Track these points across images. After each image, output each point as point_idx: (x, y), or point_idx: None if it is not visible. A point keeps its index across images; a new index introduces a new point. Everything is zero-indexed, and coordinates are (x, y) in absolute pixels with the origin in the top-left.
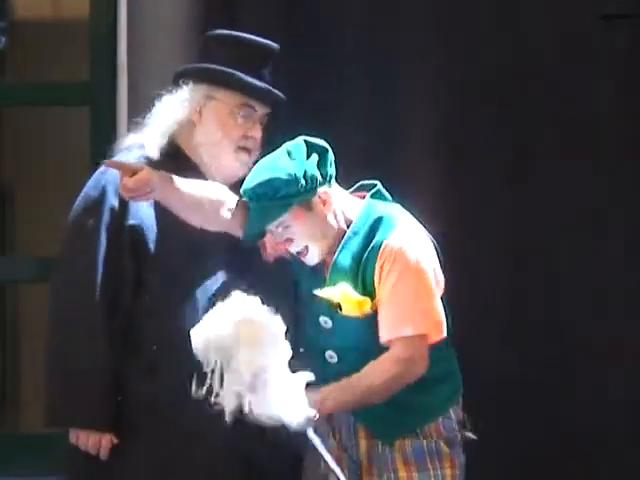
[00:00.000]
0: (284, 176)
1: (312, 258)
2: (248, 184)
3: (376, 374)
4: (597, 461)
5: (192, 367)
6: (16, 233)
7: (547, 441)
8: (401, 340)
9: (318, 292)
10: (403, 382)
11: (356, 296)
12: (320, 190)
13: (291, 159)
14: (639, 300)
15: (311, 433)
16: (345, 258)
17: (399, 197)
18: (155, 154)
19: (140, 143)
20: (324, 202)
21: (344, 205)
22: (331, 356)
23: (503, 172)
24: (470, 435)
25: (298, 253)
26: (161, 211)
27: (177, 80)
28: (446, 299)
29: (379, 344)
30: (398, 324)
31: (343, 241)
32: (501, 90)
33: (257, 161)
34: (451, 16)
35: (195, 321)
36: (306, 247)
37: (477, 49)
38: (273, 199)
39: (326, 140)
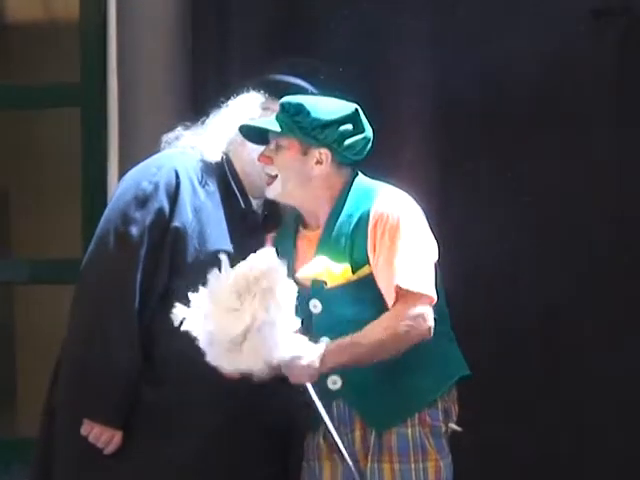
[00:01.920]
0: (318, 114)
1: (274, 189)
2: (294, 99)
3: (381, 328)
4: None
5: (203, 382)
6: (10, 235)
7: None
8: (405, 297)
9: (300, 273)
10: (408, 339)
11: (337, 266)
12: (323, 149)
13: (337, 109)
14: None
15: (310, 387)
16: (332, 230)
17: None
18: (214, 160)
19: (193, 145)
20: (318, 160)
21: (335, 185)
22: (334, 382)
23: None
24: (454, 427)
25: (268, 176)
26: (200, 219)
27: (241, 88)
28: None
29: (374, 318)
30: (400, 281)
31: (329, 215)
32: (489, 90)
33: None
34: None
35: None
36: (276, 175)
37: (464, 55)
38: (292, 116)
39: None
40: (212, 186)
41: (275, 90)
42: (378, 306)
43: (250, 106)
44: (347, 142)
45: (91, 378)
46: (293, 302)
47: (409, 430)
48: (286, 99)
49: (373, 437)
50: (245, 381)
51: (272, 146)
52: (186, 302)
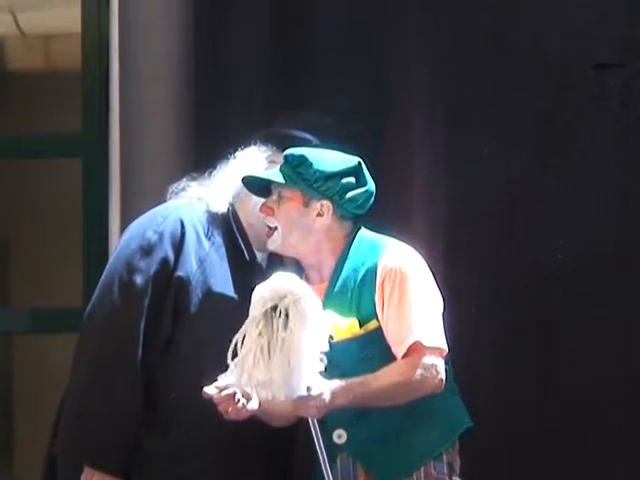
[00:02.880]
0: (321, 166)
1: (274, 241)
2: (297, 150)
3: (392, 374)
4: None
5: (205, 429)
6: (10, 286)
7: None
8: (418, 350)
9: None
10: (420, 389)
11: (343, 320)
12: (324, 202)
13: (340, 162)
14: None
15: (314, 421)
16: (338, 284)
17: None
18: (220, 211)
19: (200, 196)
20: (320, 212)
21: (337, 238)
22: (339, 436)
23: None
24: None
25: (268, 227)
26: (204, 270)
27: (251, 140)
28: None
29: (366, 370)
30: (410, 334)
31: (334, 269)
32: (494, 136)
33: None
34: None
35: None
36: (276, 227)
37: (469, 93)
38: (294, 168)
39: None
40: (217, 237)
41: (281, 143)
42: (385, 360)
43: (256, 159)
44: (349, 195)
45: (92, 426)
46: (321, 323)
47: None
48: (289, 151)
49: None
50: (248, 425)
51: (274, 197)
52: (189, 353)
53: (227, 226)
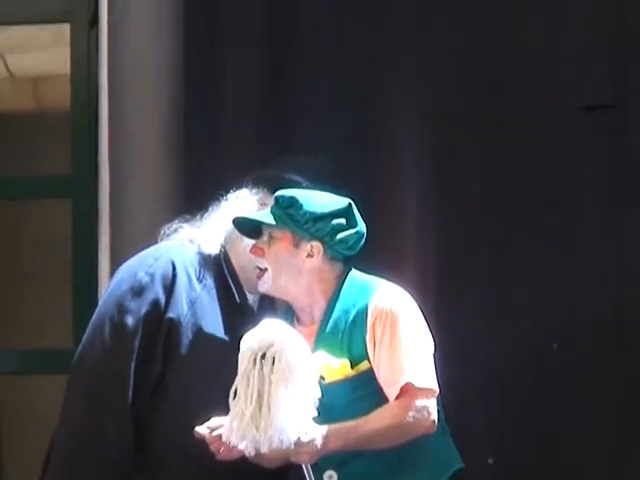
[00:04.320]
0: (311, 207)
1: (264, 283)
2: (287, 192)
3: (384, 417)
4: None
5: (196, 472)
6: None
7: None
8: (410, 392)
9: None
10: (412, 430)
11: (335, 360)
12: (315, 243)
13: (330, 203)
14: None
15: (307, 467)
16: (329, 326)
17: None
18: (211, 253)
19: (191, 238)
20: (310, 253)
21: (327, 279)
22: (330, 476)
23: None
24: None
25: (259, 269)
26: (195, 312)
27: (242, 183)
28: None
29: (359, 411)
30: (401, 376)
31: (325, 310)
32: (482, 179)
33: None
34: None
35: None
36: (266, 269)
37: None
38: (285, 209)
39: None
40: (209, 279)
41: (272, 185)
42: (376, 401)
43: (247, 201)
44: (339, 236)
45: (83, 469)
46: (309, 371)
47: None
48: (280, 192)
49: None
50: (238, 468)
51: (265, 238)
52: (179, 395)
53: (218, 268)
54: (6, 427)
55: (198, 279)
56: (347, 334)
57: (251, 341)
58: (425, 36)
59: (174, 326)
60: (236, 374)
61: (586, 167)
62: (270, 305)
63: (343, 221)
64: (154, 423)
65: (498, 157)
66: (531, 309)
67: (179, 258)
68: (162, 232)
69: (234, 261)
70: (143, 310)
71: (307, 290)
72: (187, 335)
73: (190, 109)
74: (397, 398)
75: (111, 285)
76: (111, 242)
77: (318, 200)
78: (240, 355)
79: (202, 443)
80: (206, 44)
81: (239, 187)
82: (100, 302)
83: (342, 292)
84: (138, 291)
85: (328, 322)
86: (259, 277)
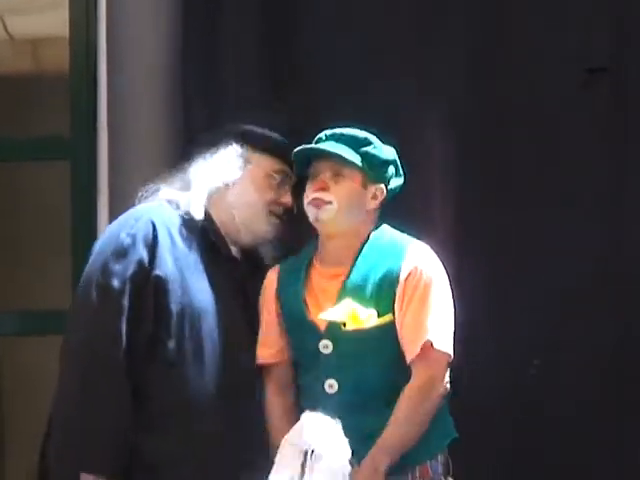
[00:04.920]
0: (381, 150)
1: (327, 212)
2: (359, 133)
3: (408, 409)
4: None
5: (196, 427)
6: None
7: None
8: (431, 353)
9: (327, 315)
10: (433, 403)
11: (364, 310)
12: (380, 186)
13: (391, 149)
14: None
15: None
16: (360, 273)
17: None
18: (191, 210)
19: (170, 198)
20: (375, 196)
21: (373, 225)
22: (330, 385)
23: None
24: None
25: (318, 200)
26: (181, 268)
27: (220, 140)
28: None
29: (382, 366)
30: (425, 334)
31: (359, 257)
32: (484, 144)
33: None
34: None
35: (203, 382)
36: (331, 202)
37: (458, 102)
38: (360, 148)
39: None
40: (190, 235)
41: (256, 142)
42: (390, 355)
43: (230, 159)
44: (393, 183)
45: (85, 433)
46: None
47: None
48: (352, 131)
49: None
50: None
51: (328, 174)
52: (173, 350)
53: (199, 224)
54: (5, 387)
55: (180, 236)
56: (377, 285)
57: (295, 438)
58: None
59: (161, 284)
60: (227, 323)
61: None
62: (255, 256)
63: (397, 169)
64: (150, 380)
65: (499, 118)
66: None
67: (159, 218)
68: (140, 194)
69: (215, 217)
70: (129, 271)
71: (357, 231)
72: (175, 291)
73: (190, 73)
74: (416, 357)
75: (94, 250)
76: (110, 204)
77: (381, 144)
78: (286, 451)
79: (199, 397)
80: (207, 7)
81: (219, 144)
82: (86, 268)
83: (376, 242)
84: (121, 253)
85: (359, 269)
86: (318, 206)
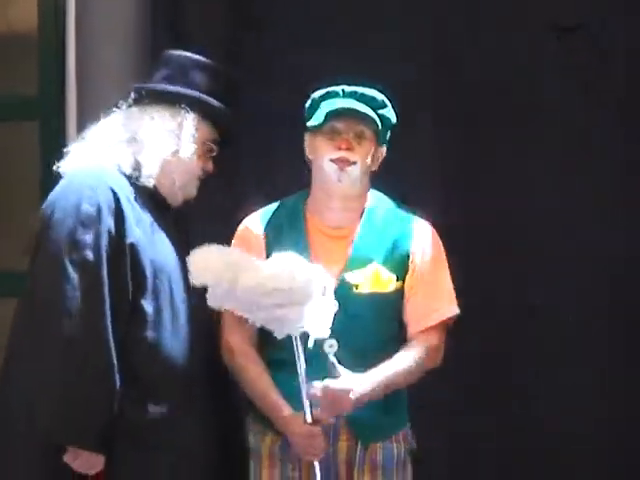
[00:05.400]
0: (394, 117)
1: (351, 173)
2: (376, 94)
3: (410, 362)
4: None
5: (182, 396)
6: None
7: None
8: (435, 328)
9: (352, 279)
10: (426, 370)
11: (386, 273)
12: (383, 149)
13: None
14: None
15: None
16: (369, 238)
17: None
18: (150, 182)
19: (116, 161)
20: (378, 158)
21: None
22: (331, 345)
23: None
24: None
25: (344, 160)
26: (145, 232)
27: (145, 97)
28: None
29: (380, 330)
30: (441, 308)
31: (365, 220)
32: (454, 98)
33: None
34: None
35: (182, 346)
36: (356, 162)
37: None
38: (378, 109)
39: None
40: (141, 197)
41: (205, 112)
42: (390, 320)
43: (182, 126)
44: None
45: (73, 407)
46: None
47: (394, 446)
48: (371, 92)
49: (359, 450)
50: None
51: (351, 134)
52: (154, 313)
53: (142, 185)
54: None
55: (135, 199)
56: (388, 253)
57: (314, 272)
58: None
59: (134, 251)
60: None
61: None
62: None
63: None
64: (133, 348)
65: (472, 78)
66: None
67: (114, 183)
68: (66, 155)
69: (154, 177)
70: (101, 242)
71: (362, 194)
72: (147, 256)
73: (156, 31)
74: (430, 327)
75: (48, 228)
76: None
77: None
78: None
79: (182, 359)
80: None
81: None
82: (42, 249)
83: (378, 207)
84: (87, 224)
85: (367, 234)
86: (342, 167)
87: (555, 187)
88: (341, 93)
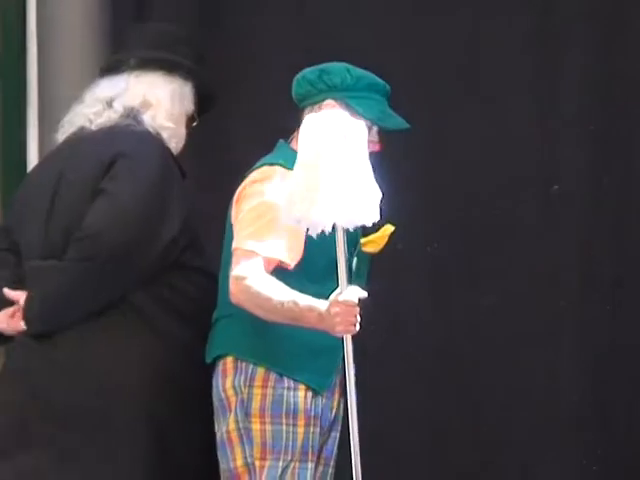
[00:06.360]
0: None
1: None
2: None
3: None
4: None
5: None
6: None
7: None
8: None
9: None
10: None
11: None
12: None
13: None
14: None
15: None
16: None
17: None
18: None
19: (157, 126)
20: None
21: None
22: None
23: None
24: None
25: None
26: (186, 194)
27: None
28: None
29: None
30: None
31: None
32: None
33: None
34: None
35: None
36: None
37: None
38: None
39: None
40: (172, 160)
41: (202, 85)
42: None
43: (184, 94)
44: None
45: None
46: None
47: None
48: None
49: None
50: None
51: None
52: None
53: (162, 143)
54: None
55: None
56: None
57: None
58: None
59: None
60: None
61: None
62: None
63: None
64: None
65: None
66: None
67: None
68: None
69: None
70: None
71: None
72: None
73: None
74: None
75: (123, 182)
76: (39, 122)
77: None
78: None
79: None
80: None
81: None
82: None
83: None
84: (169, 177)
85: None
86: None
87: None
88: (382, 90)
